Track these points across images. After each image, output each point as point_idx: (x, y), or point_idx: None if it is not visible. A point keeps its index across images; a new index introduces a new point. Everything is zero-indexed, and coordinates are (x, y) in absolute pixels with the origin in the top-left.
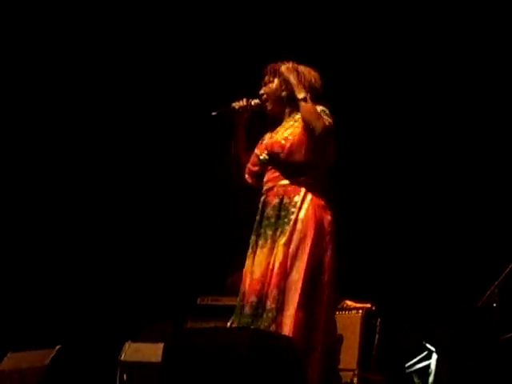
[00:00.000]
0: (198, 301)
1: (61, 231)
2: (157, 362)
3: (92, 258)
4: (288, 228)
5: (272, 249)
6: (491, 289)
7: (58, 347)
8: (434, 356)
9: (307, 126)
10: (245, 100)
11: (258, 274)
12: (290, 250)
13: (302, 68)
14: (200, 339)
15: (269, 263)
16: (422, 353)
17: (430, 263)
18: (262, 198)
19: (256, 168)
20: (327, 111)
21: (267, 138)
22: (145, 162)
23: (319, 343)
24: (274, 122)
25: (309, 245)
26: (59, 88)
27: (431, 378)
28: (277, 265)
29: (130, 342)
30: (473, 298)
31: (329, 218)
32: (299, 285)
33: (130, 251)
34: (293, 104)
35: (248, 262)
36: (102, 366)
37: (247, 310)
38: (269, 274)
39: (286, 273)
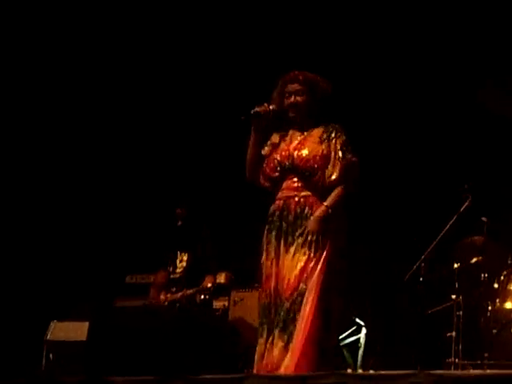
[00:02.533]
0: (127, 279)
1: None
2: (82, 341)
3: (19, 238)
4: (311, 238)
5: (293, 256)
6: (417, 263)
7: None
8: (364, 330)
9: None
10: (266, 105)
11: (292, 279)
12: (310, 258)
13: (319, 79)
14: (125, 317)
15: (291, 267)
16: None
17: (359, 238)
18: (280, 203)
19: (276, 174)
20: (348, 142)
21: (284, 145)
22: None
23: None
24: (285, 125)
25: (325, 257)
26: (57, 88)
27: (361, 352)
28: (297, 270)
29: (55, 321)
30: (400, 272)
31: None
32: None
33: (58, 231)
34: (311, 111)
35: (266, 267)
36: (28, 346)
37: (282, 313)
38: (292, 278)
39: (304, 279)
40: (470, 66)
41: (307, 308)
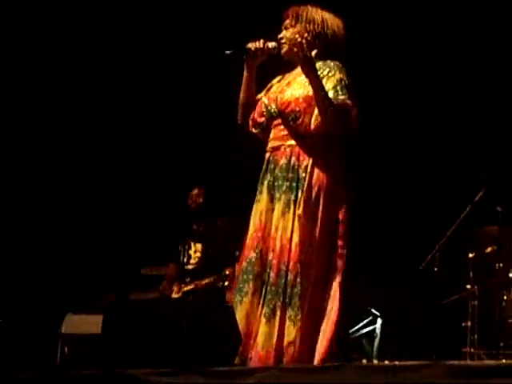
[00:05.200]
0: (142, 271)
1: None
2: (97, 334)
3: (33, 230)
4: (301, 196)
5: (282, 213)
6: (432, 253)
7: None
8: (379, 320)
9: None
10: (261, 42)
11: (269, 236)
12: (307, 221)
13: (326, 15)
14: (139, 310)
15: (277, 227)
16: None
17: (373, 228)
18: (267, 155)
19: (262, 119)
20: (344, 82)
21: (276, 87)
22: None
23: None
24: (287, 67)
25: (324, 217)
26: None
27: (377, 342)
28: (295, 236)
29: (70, 314)
30: (414, 262)
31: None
32: (318, 262)
33: (72, 223)
34: (319, 55)
35: (254, 220)
36: (43, 339)
37: (272, 278)
38: (284, 242)
39: (306, 247)
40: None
41: (336, 295)
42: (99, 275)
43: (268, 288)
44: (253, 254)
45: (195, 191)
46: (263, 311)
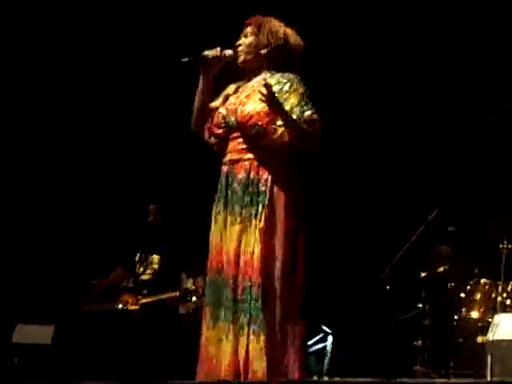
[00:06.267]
0: (93, 282)
1: None
2: (47, 344)
3: None
4: (262, 210)
5: (244, 228)
6: (385, 271)
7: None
8: (330, 338)
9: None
10: (218, 49)
11: (231, 252)
12: (269, 234)
13: (288, 30)
14: (91, 321)
15: (240, 243)
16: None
17: (327, 245)
18: (225, 168)
19: (219, 131)
20: (306, 95)
21: (234, 98)
22: None
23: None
24: (243, 76)
25: (284, 230)
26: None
27: (327, 359)
28: (257, 250)
29: (21, 324)
30: (367, 280)
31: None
32: (280, 273)
33: (23, 234)
34: (271, 64)
35: (215, 238)
36: None
37: (228, 293)
38: (247, 257)
39: (268, 260)
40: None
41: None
42: (49, 285)
43: (232, 305)
44: (213, 276)
45: (152, 208)
46: (230, 327)
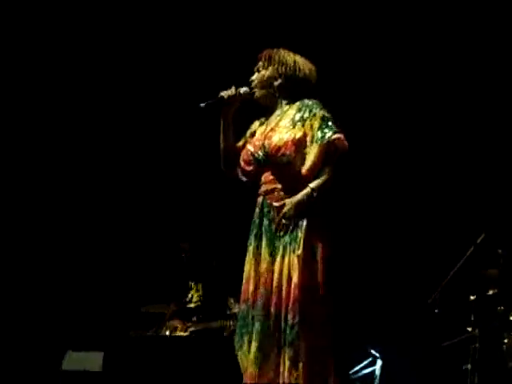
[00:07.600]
0: (142, 309)
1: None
2: (97, 371)
3: (32, 267)
4: (301, 237)
5: (284, 255)
6: (434, 295)
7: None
8: (379, 362)
9: None
10: (233, 89)
11: (268, 280)
12: (307, 261)
13: (298, 58)
14: (140, 347)
15: (281, 271)
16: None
17: (376, 269)
18: (260, 199)
19: (250, 168)
20: (327, 117)
21: (259, 133)
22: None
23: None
24: (265, 110)
25: (322, 257)
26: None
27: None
28: (295, 277)
29: (70, 351)
30: (416, 304)
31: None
32: (320, 299)
33: (72, 259)
34: (286, 94)
35: (250, 267)
36: (44, 376)
37: (272, 321)
38: (285, 284)
39: (307, 286)
40: None
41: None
42: (98, 313)
43: (266, 331)
44: (244, 307)
45: (182, 245)
46: (258, 354)
